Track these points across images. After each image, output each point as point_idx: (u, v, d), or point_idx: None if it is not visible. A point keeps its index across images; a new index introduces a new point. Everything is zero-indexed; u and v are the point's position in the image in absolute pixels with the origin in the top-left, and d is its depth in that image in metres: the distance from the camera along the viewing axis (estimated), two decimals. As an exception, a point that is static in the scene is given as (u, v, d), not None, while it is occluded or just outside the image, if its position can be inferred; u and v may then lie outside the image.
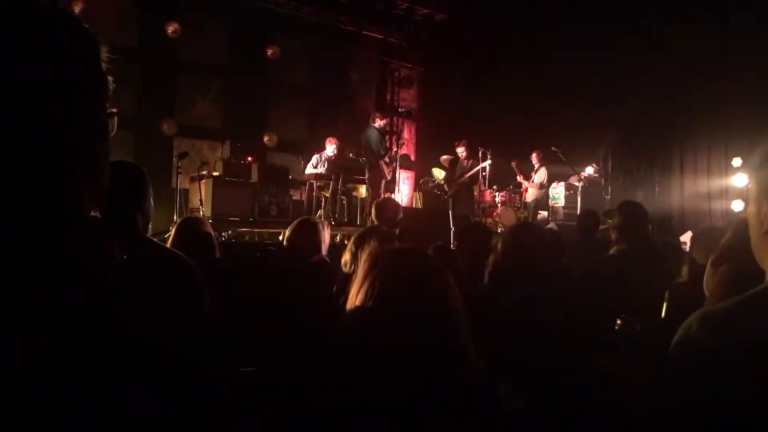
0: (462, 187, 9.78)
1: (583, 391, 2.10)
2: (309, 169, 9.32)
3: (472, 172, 9.83)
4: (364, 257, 1.52)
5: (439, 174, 10.30)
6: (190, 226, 3.25)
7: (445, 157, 10.25)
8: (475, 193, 10.10)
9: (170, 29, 9.45)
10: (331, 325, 2.42)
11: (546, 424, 1.67)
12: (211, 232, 3.26)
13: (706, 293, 2.16)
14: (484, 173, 10.07)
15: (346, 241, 6.19)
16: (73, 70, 0.74)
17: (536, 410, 1.44)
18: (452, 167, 10.02)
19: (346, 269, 2.99)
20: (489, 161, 9.81)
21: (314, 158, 9.38)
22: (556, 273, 2.55)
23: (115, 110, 0.79)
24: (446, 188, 9.76)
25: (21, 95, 0.68)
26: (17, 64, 0.69)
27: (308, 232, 3.39)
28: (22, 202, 0.68)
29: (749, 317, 0.92)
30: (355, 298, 1.43)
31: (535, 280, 2.37)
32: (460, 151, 9.89)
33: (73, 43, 0.75)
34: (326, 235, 3.46)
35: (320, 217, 9.14)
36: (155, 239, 2.26)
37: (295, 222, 3.56)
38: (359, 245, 3.04)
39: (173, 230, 3.12)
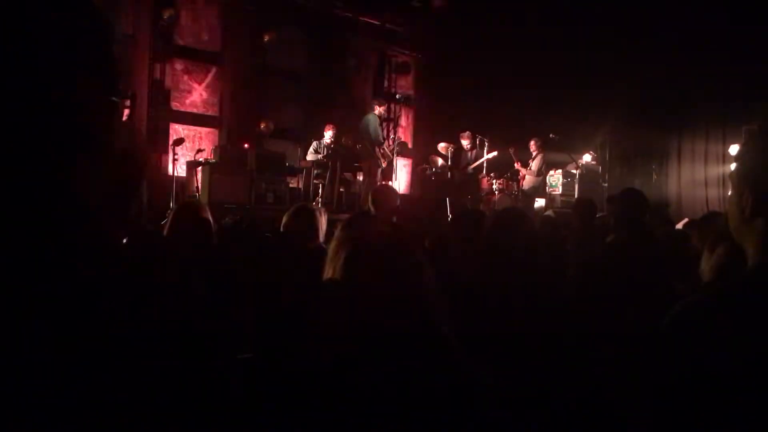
0: (468, 177, 9.79)
1: (573, 378, 2.10)
2: (310, 155, 9.28)
3: (477, 164, 9.86)
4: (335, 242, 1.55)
5: (437, 161, 10.29)
6: (188, 212, 3.21)
7: (443, 144, 10.22)
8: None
9: (166, 15, 9.37)
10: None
11: (523, 404, 1.69)
12: (209, 218, 3.23)
13: (702, 277, 2.19)
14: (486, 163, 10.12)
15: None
16: (85, 53, 0.72)
17: (518, 392, 1.45)
18: (456, 156, 10.04)
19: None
20: (495, 153, 9.85)
21: (314, 144, 9.34)
22: (545, 258, 2.55)
23: (127, 95, 0.78)
24: (450, 175, 9.79)
25: (32, 78, 0.66)
26: (30, 44, 0.67)
27: (304, 219, 3.38)
28: (30, 187, 0.67)
29: (725, 309, 0.92)
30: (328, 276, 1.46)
31: (523, 264, 2.37)
32: (465, 142, 9.93)
33: (87, 25, 0.73)
34: (323, 222, 3.45)
35: (317, 204, 9.14)
36: (149, 227, 2.25)
37: (292, 209, 3.55)
38: (347, 232, 3.02)
39: (170, 215, 3.09)
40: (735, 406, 0.84)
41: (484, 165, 10.10)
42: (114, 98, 0.78)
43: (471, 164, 9.86)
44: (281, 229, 3.46)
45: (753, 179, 1.01)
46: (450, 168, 10.08)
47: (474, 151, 9.94)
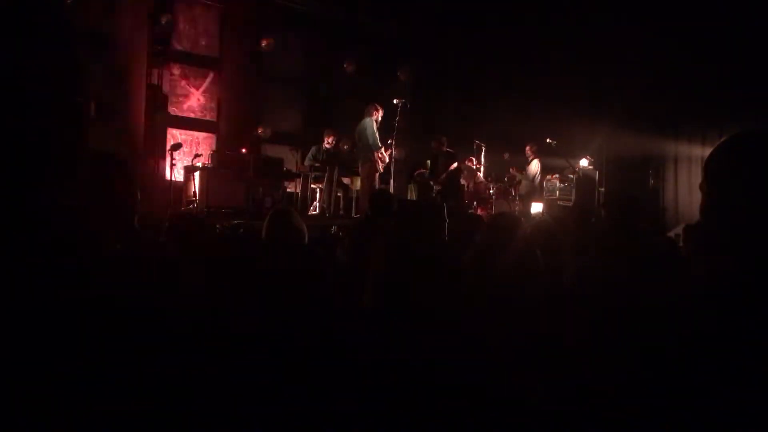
0: (447, 182, 9.69)
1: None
2: (308, 161, 9.30)
3: (446, 173, 9.73)
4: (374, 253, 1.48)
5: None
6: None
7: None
8: (467, 187, 10.09)
9: (163, 20, 9.38)
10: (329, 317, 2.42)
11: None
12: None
13: None
14: (479, 167, 10.09)
15: (340, 233, 6.19)
16: (48, 55, 0.73)
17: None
18: (434, 162, 9.92)
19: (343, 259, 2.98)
20: (455, 164, 9.56)
21: (312, 150, 9.35)
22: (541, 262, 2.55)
23: (86, 98, 0.78)
24: (432, 184, 9.73)
25: None
26: None
27: (280, 221, 3.41)
28: None
29: None
30: (369, 294, 1.41)
31: (517, 264, 2.37)
32: (435, 145, 9.81)
33: (51, 28, 0.74)
34: (299, 220, 3.49)
35: (315, 209, 9.15)
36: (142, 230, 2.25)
37: (268, 217, 3.57)
38: (357, 237, 3.02)
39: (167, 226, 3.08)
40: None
41: (482, 169, 10.12)
42: (78, 99, 0.79)
43: (442, 172, 9.66)
44: (263, 236, 3.46)
45: (717, 178, 1.03)
46: (432, 175, 10.02)
47: (444, 155, 9.73)
